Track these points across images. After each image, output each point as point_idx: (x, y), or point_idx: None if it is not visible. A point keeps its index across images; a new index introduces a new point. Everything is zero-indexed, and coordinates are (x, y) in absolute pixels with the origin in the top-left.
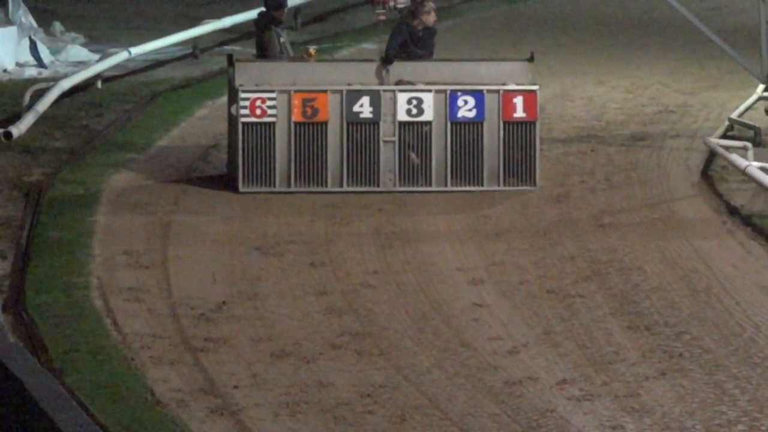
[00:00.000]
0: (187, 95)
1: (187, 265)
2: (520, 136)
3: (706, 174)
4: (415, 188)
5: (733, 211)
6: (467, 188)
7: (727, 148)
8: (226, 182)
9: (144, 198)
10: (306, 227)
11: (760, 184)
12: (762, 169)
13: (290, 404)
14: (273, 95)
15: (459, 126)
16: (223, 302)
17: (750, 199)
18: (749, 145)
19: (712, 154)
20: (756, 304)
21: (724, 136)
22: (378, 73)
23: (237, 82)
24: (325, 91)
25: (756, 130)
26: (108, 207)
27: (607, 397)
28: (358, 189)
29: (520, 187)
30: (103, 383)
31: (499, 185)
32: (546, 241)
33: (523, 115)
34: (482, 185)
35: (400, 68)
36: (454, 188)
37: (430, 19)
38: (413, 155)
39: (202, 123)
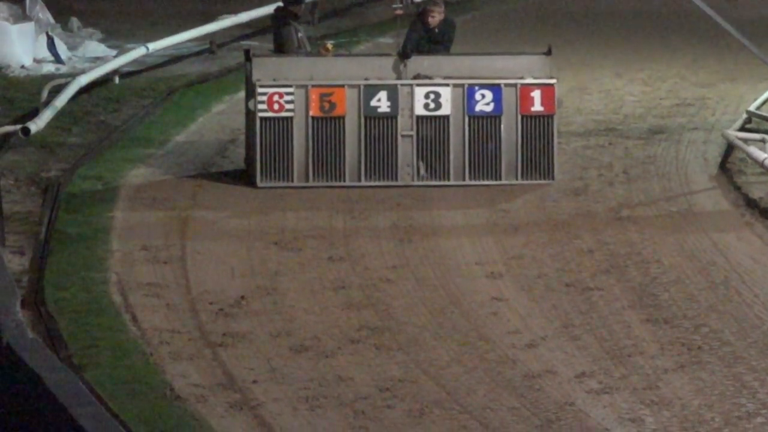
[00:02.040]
0: (205, 90)
1: (205, 260)
2: (537, 130)
3: (724, 167)
4: (433, 183)
5: (751, 204)
6: (485, 182)
7: (745, 140)
8: (243, 177)
9: (162, 193)
10: (324, 222)
11: None
12: None
13: (309, 398)
14: (290, 90)
15: (477, 120)
16: (242, 297)
17: None
18: (767, 137)
19: (730, 147)
20: None
21: (742, 129)
22: (395, 67)
23: (254, 77)
24: (342, 86)
25: None
26: (126, 202)
27: (625, 390)
28: (376, 183)
29: (538, 181)
30: (123, 378)
31: (517, 179)
32: (564, 234)
33: (541, 108)
34: (500, 179)
35: (418, 63)
36: (472, 182)
37: (434, 21)
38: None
39: (219, 118)
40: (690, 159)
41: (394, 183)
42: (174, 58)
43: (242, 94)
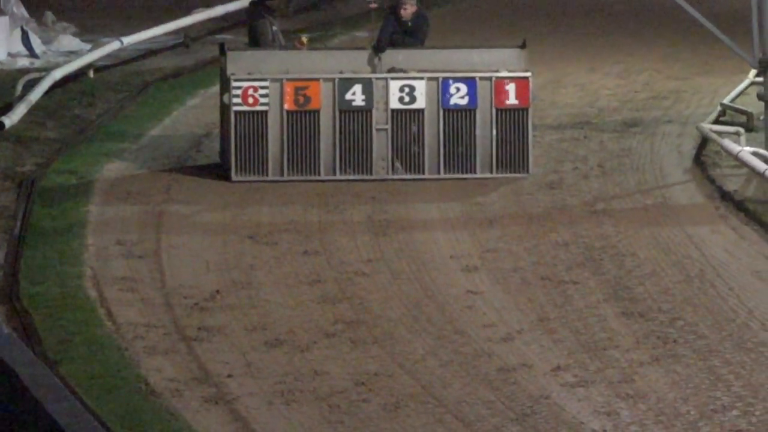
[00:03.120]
0: (179, 84)
1: (180, 254)
2: (512, 124)
3: (698, 160)
4: (409, 176)
5: (726, 197)
6: (460, 176)
7: (719, 133)
8: (218, 171)
9: (137, 187)
10: (299, 216)
11: (752, 169)
12: (754, 154)
13: (284, 393)
14: (265, 84)
15: (451, 113)
16: (217, 291)
17: (743, 184)
18: (742, 130)
19: (704, 140)
20: (749, 289)
21: (717, 122)
22: (370, 61)
23: (229, 71)
24: (317, 80)
25: (748, 115)
26: (101, 197)
27: (601, 383)
28: (351, 177)
29: (513, 174)
30: (97, 373)
31: (492, 173)
32: (539, 227)
33: (516, 102)
34: (475, 173)
35: (392, 56)
36: (447, 176)
37: (406, 13)
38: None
39: (194, 112)
40: (665, 152)
41: (369, 177)
42: (149, 52)
43: (217, 88)
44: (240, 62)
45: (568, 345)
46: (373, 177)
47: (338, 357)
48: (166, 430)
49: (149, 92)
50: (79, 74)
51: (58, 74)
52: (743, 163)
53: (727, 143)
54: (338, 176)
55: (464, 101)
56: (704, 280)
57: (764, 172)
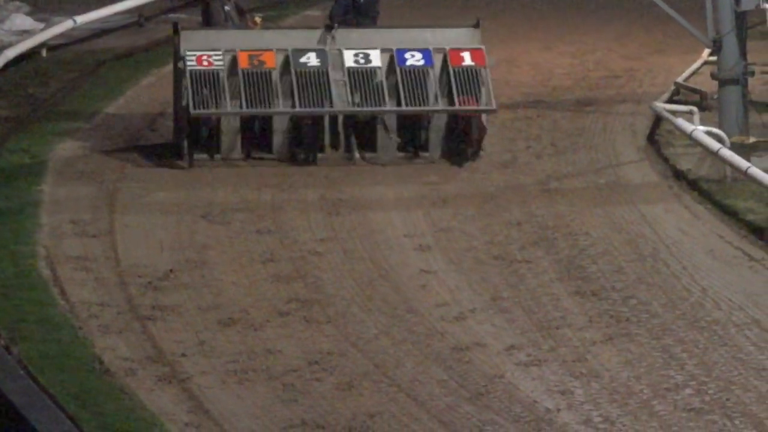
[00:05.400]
0: (133, 64)
1: (134, 233)
2: (469, 81)
3: (652, 139)
4: (370, 108)
5: (679, 176)
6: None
7: (673, 112)
8: (172, 150)
9: (90, 167)
10: (253, 195)
11: (706, 148)
12: (708, 133)
13: (238, 372)
14: (219, 53)
15: (407, 71)
16: (171, 270)
17: (696, 163)
18: (695, 109)
19: (658, 119)
20: (703, 268)
21: (670, 101)
22: (322, 40)
23: (182, 50)
24: (271, 50)
25: (702, 94)
26: (54, 176)
27: (554, 362)
28: (310, 110)
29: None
30: (51, 352)
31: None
32: (492, 206)
33: (472, 63)
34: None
35: (345, 35)
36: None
37: None
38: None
39: (148, 91)
40: (618, 131)
41: (329, 108)
42: (102, 31)
43: (170, 67)
44: (193, 41)
45: (521, 324)
46: (333, 109)
47: (292, 336)
48: (120, 409)
49: (103, 71)
50: (32, 53)
51: (10, 53)
52: (697, 142)
53: (681, 122)
54: (298, 108)
55: (420, 63)
56: (657, 258)
57: (718, 151)
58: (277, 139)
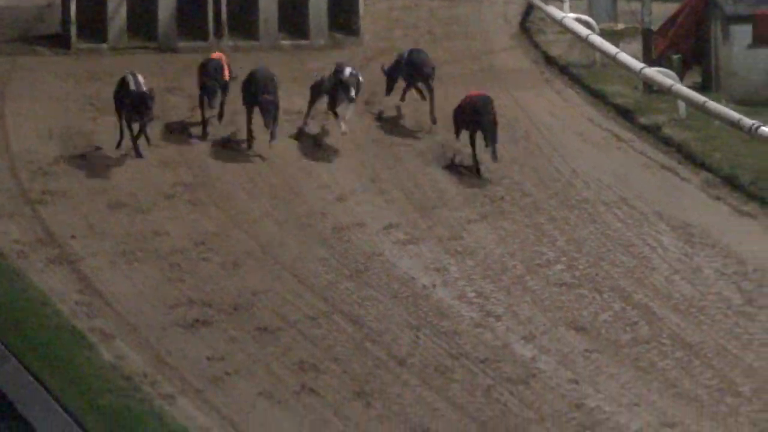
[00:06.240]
0: None
1: (24, 121)
2: None
3: (524, 26)
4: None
5: (550, 61)
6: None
7: (544, 0)
8: (60, 41)
9: None
10: None
11: (575, 34)
12: (577, 20)
13: (126, 253)
14: None
15: None
16: (60, 156)
17: (566, 49)
18: None
19: (529, 7)
20: (573, 149)
21: None
22: None
23: None
24: None
25: None
26: None
27: (431, 240)
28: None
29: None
30: None
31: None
32: (370, 94)
33: None
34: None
35: None
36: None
37: None
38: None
39: None
40: (491, 19)
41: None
42: None
43: None
44: None
45: (399, 204)
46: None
47: (178, 218)
48: (13, 290)
49: None
50: None
51: None
52: (566, 29)
53: (551, 10)
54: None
55: None
56: (530, 141)
57: (587, 37)
58: (162, 28)
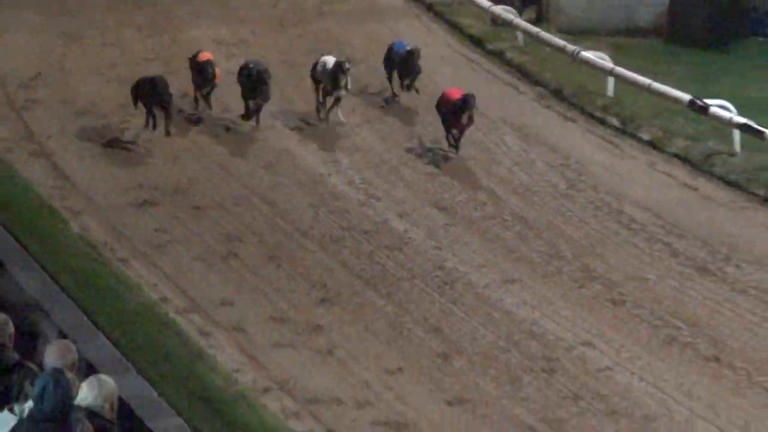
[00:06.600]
0: None
1: (10, 47)
2: None
3: None
4: None
5: (419, 0)
6: None
7: None
8: None
9: None
10: (100, 17)
11: None
12: None
13: (90, 149)
14: None
15: None
16: (39, 74)
17: None
18: None
19: None
20: (436, 69)
21: None
22: None
23: None
24: None
25: None
26: None
27: (327, 140)
28: None
29: None
30: None
31: None
32: (277, 26)
33: None
34: None
35: None
36: None
37: None
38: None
39: None
40: None
41: None
42: None
43: None
44: None
45: (303, 113)
46: None
47: (131, 122)
48: (1, 178)
49: None
50: None
51: None
52: None
53: None
54: None
55: None
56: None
57: None
58: None
